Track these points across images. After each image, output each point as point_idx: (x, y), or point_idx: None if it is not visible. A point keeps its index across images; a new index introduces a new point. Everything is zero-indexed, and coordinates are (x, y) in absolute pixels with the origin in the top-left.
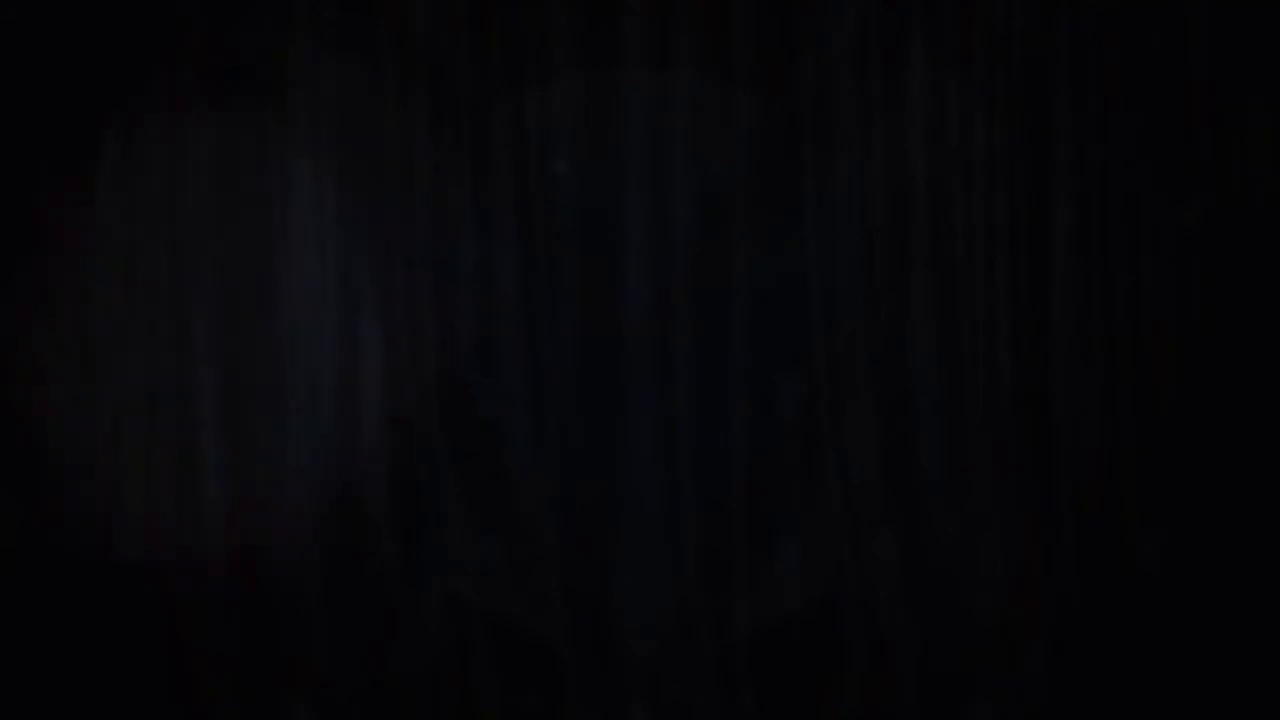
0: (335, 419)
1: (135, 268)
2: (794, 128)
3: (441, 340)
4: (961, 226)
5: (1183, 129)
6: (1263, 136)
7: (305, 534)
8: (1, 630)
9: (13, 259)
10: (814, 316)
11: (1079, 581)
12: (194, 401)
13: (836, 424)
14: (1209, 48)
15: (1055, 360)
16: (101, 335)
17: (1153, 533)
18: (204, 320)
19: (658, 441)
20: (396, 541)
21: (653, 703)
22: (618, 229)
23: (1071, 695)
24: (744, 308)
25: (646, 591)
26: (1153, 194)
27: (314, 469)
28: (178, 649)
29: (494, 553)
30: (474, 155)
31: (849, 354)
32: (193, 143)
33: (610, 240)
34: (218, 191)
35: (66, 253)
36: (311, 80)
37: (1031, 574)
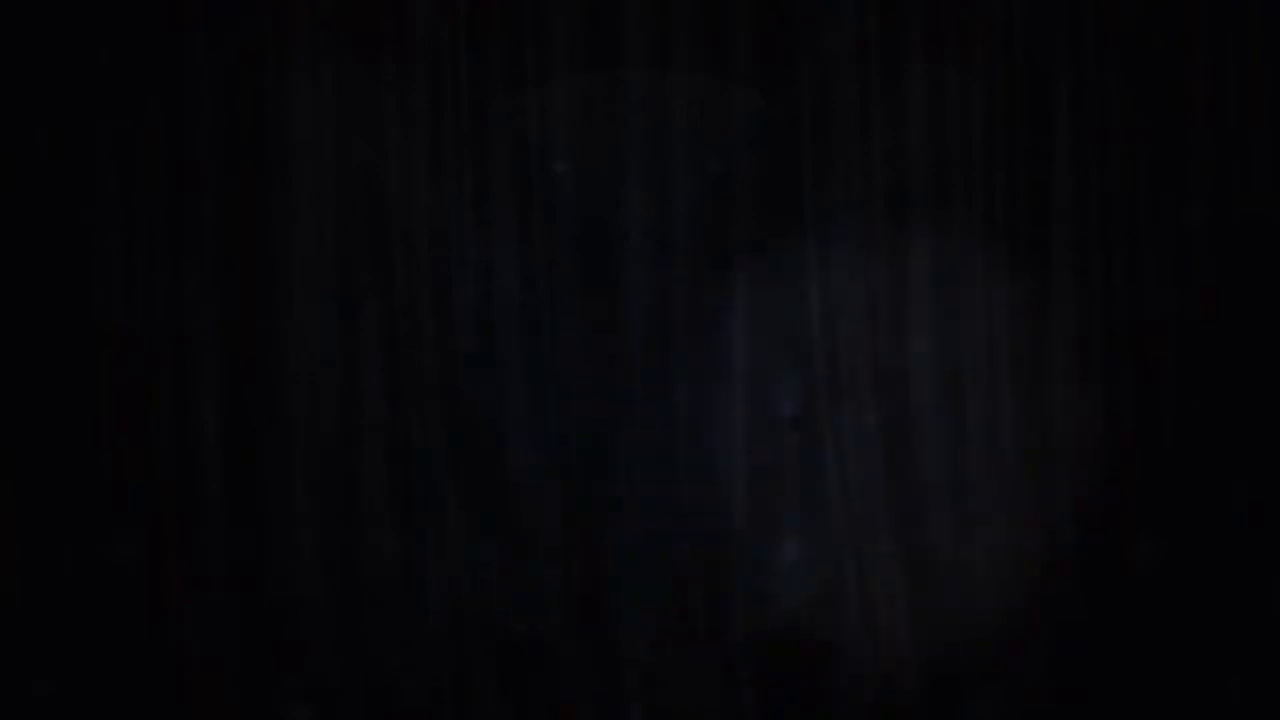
0: (335, 419)
1: (135, 267)
2: (794, 128)
3: (441, 340)
4: (961, 226)
5: (1183, 129)
6: (1263, 137)
7: (305, 534)
8: (1, 630)
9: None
10: (814, 317)
11: (1078, 582)
12: (195, 401)
13: (836, 424)
14: (1209, 48)
15: (1055, 360)
16: (101, 333)
17: (1151, 533)
18: (204, 319)
19: (658, 442)
20: (396, 541)
21: (652, 703)
22: (618, 229)
23: (1070, 695)
24: (744, 308)
25: (646, 592)
26: (1153, 194)
27: (315, 470)
28: (178, 649)
29: (493, 553)
30: (474, 155)
31: (849, 354)
32: (193, 143)
33: (610, 240)
34: (218, 194)
35: (67, 256)
36: (311, 80)
37: (1031, 574)
